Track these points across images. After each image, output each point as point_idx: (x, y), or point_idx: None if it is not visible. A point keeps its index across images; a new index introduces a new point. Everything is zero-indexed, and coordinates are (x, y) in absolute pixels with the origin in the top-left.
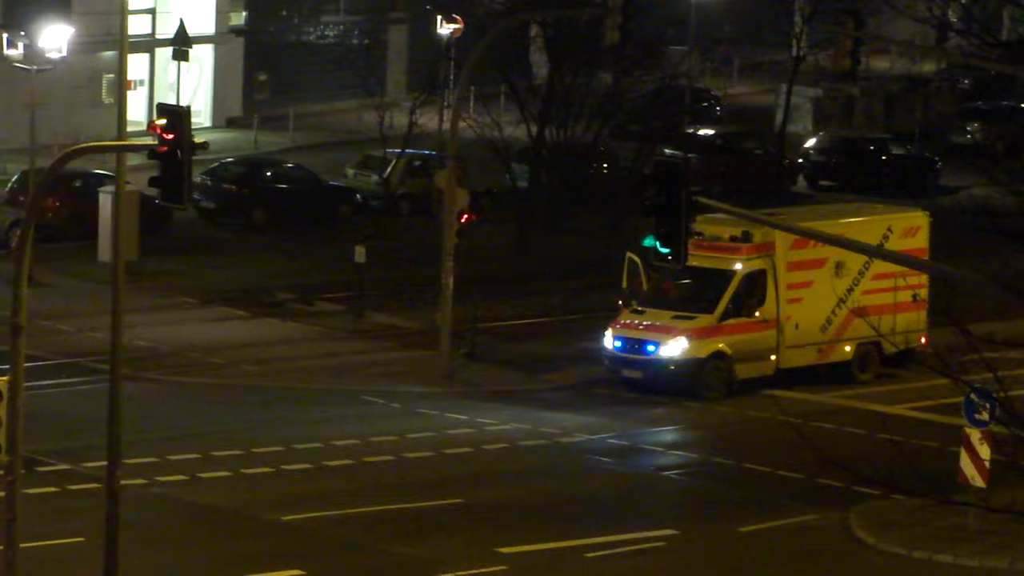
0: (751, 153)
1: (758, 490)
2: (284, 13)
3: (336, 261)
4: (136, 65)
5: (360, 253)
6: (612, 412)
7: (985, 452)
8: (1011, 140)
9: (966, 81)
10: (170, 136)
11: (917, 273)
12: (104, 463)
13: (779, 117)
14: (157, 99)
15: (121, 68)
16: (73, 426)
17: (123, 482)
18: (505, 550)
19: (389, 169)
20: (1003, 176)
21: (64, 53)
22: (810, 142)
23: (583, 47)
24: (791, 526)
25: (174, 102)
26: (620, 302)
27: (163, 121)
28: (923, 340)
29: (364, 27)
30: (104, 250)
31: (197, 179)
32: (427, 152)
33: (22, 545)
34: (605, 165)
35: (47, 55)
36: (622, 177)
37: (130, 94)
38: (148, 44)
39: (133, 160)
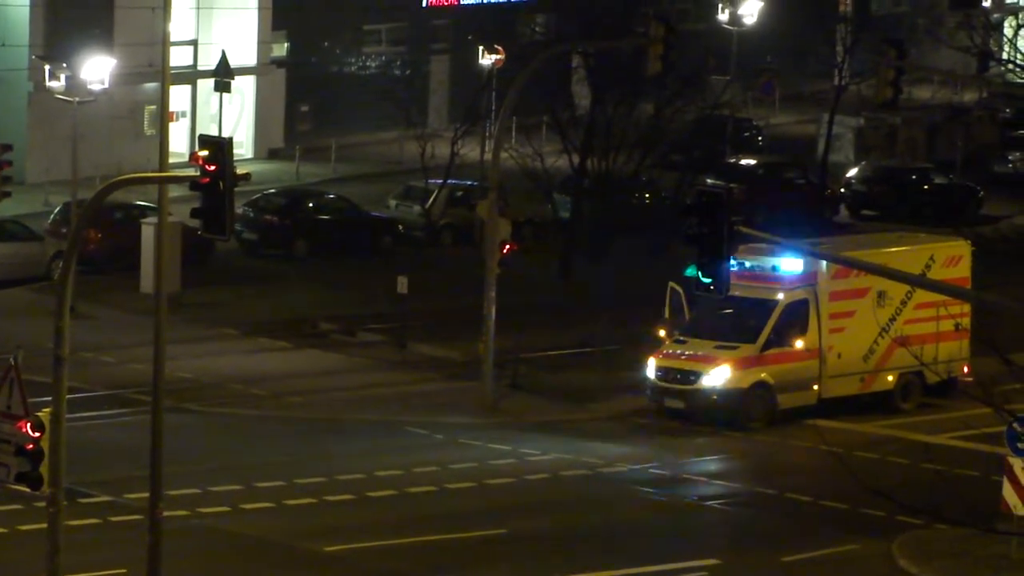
0: (793, 183)
1: (800, 519)
2: (326, 44)
3: (378, 292)
4: (178, 97)
5: (402, 284)
6: (655, 442)
7: None
8: None
9: (1007, 110)
10: (212, 167)
11: (959, 302)
12: (146, 494)
13: (821, 147)
14: (199, 130)
15: (163, 99)
16: (115, 457)
17: (165, 513)
18: None
19: (431, 200)
20: None
21: (106, 85)
22: (852, 171)
23: (625, 77)
24: (834, 555)
25: (216, 133)
26: (662, 332)
27: (205, 152)
28: (965, 369)
29: (406, 58)
30: (147, 281)
31: (239, 210)
32: (469, 183)
33: None
34: (647, 195)
35: (89, 87)
36: (664, 207)
37: (172, 126)
38: (190, 75)
39: (175, 191)
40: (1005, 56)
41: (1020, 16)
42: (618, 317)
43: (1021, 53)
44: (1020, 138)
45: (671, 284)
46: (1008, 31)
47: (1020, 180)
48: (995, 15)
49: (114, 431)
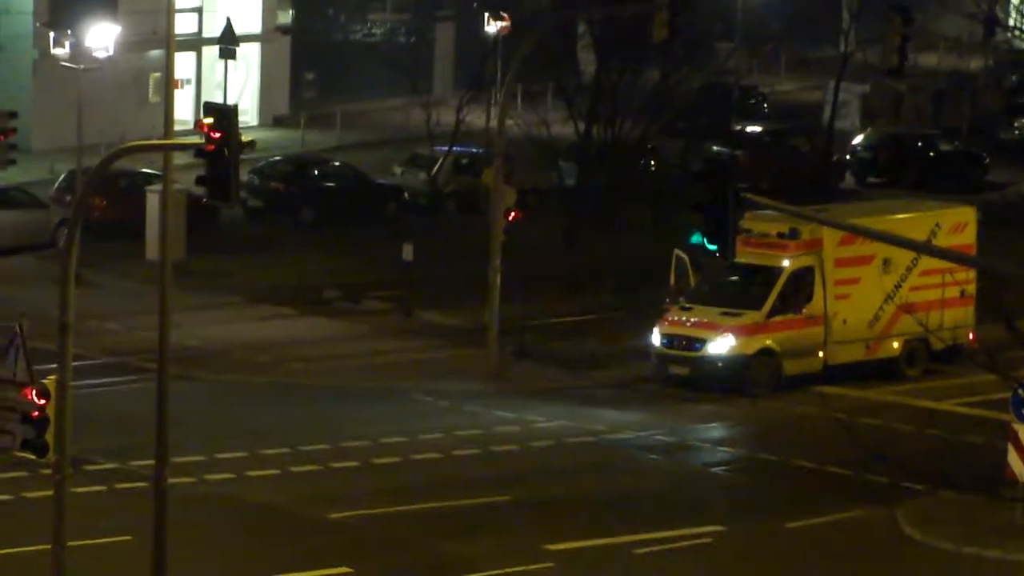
0: (799, 150)
1: (805, 486)
2: (331, 12)
3: (384, 259)
4: (183, 64)
5: (408, 251)
6: (659, 409)
7: None
8: None
9: (1013, 77)
10: (217, 135)
11: (965, 269)
12: (152, 462)
13: (827, 113)
14: (204, 98)
15: (168, 67)
16: (121, 425)
17: (170, 481)
18: (552, 547)
19: (437, 167)
20: None
21: (111, 52)
22: (858, 138)
23: (631, 44)
24: (838, 522)
25: (221, 101)
26: (668, 299)
27: (210, 120)
28: (971, 336)
29: (411, 25)
30: (152, 249)
31: (244, 178)
32: (474, 150)
33: (70, 543)
34: (653, 162)
35: (94, 54)
36: (670, 174)
37: (177, 93)
38: (195, 43)
39: (181, 159)
40: (1011, 22)
41: None
42: (624, 284)
43: None
44: None
45: (676, 251)
46: None
47: None
48: None
49: (120, 398)
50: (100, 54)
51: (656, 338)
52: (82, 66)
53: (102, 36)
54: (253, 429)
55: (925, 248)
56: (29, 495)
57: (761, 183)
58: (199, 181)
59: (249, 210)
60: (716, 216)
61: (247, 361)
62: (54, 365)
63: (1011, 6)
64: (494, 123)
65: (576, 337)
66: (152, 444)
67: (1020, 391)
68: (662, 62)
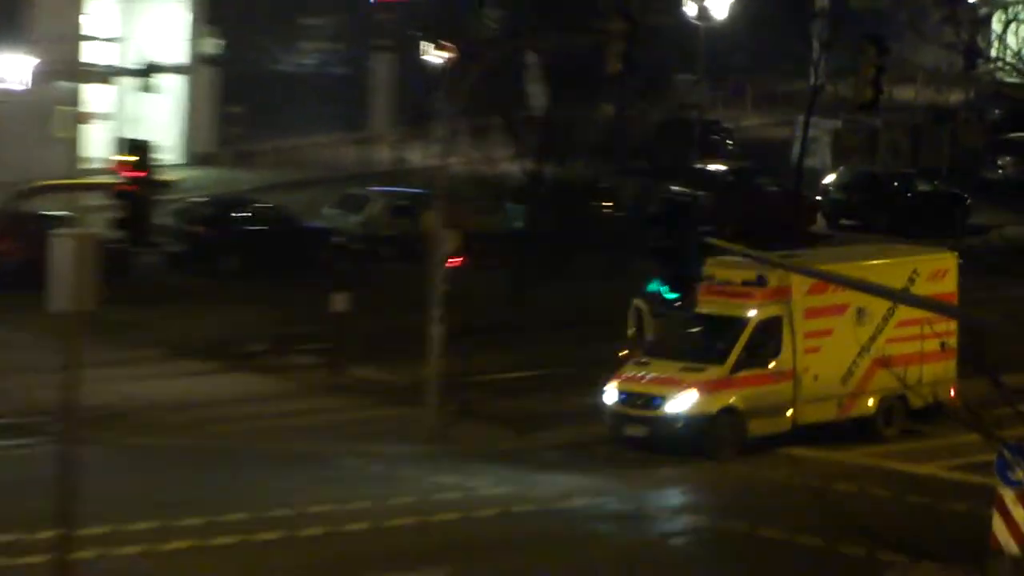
0: (766, 190)
1: (773, 558)
2: (261, 41)
3: (313, 310)
4: (100, 97)
5: (340, 301)
6: (614, 473)
7: (1020, 514)
8: None
9: (996, 111)
10: (134, 173)
11: (946, 320)
12: (54, 533)
13: (796, 151)
14: (123, 134)
15: (78, 100)
16: (20, 492)
17: (74, 555)
18: None
19: (372, 209)
20: None
21: (28, 84)
22: (829, 178)
23: (584, 76)
24: None
25: (140, 137)
26: (624, 352)
27: (127, 157)
28: (952, 392)
29: (347, 56)
30: (57, 299)
31: (163, 221)
32: (414, 190)
33: None
34: (607, 204)
35: (4, 86)
36: (626, 217)
37: (93, 129)
38: (113, 74)
39: (96, 200)
40: (993, 53)
41: (1009, 10)
42: (576, 336)
43: (1011, 49)
44: (1010, 141)
45: (635, 300)
46: (996, 26)
47: (1010, 187)
48: (982, 9)
49: (20, 464)
50: (14, 86)
51: (610, 395)
52: None
53: (16, 67)
54: (166, 497)
55: (902, 297)
56: None
57: (725, 226)
58: (114, 223)
59: (168, 256)
60: (676, 262)
61: (161, 422)
62: None
63: (993, 35)
64: (435, 161)
65: (524, 395)
66: (54, 513)
67: (1006, 453)
68: (617, 96)
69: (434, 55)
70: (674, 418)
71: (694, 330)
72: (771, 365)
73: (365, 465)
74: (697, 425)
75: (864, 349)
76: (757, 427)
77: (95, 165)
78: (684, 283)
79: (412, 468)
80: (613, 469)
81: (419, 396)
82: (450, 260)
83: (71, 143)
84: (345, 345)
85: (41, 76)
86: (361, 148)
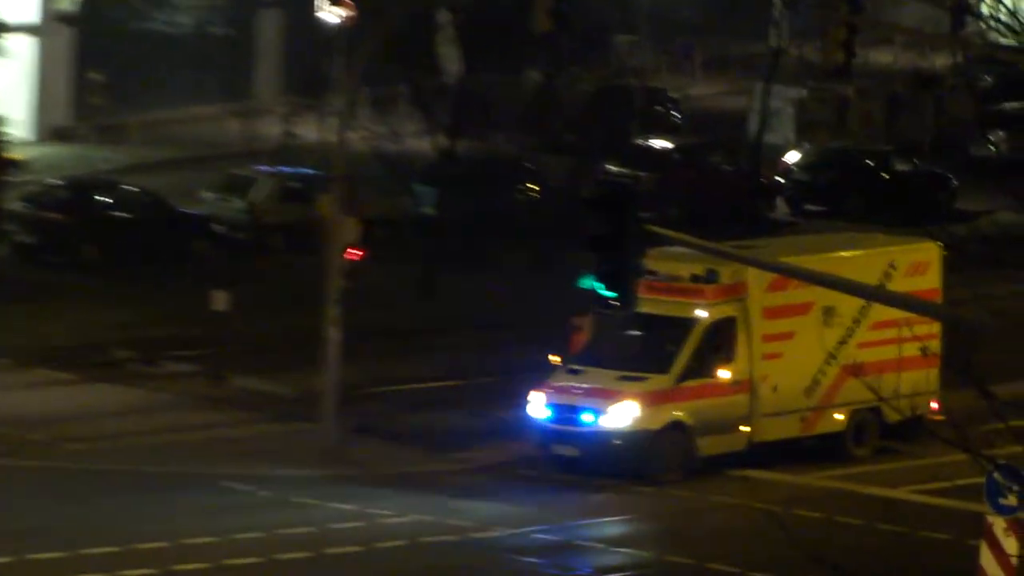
0: (718, 170)
1: None
2: None
3: (189, 310)
4: None
5: (220, 300)
6: (541, 500)
7: (1012, 546)
8: None
9: (988, 78)
10: None
11: (927, 321)
12: None
13: (754, 125)
14: None
15: None
16: None
17: None
18: None
19: (258, 193)
20: None
21: None
22: (792, 156)
23: (505, 38)
24: None
25: None
26: (554, 359)
27: None
28: (934, 405)
29: (229, 15)
30: None
31: (12, 206)
32: (307, 171)
33: None
34: (533, 187)
35: None
36: (555, 202)
37: None
38: None
39: None
40: (985, 10)
41: None
42: (497, 341)
43: (1005, 5)
44: (1004, 113)
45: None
46: None
47: (1004, 166)
48: None
49: None
50: None
51: (537, 409)
52: None
53: None
54: (19, 527)
55: (877, 294)
56: None
57: (670, 212)
58: None
59: (19, 248)
60: (613, 254)
61: (13, 440)
62: None
63: None
64: (332, 137)
65: (436, 408)
66: None
67: (996, 475)
68: (545, 60)
69: (329, 13)
70: (611, 435)
71: (634, 333)
72: (723, 374)
73: (252, 490)
74: (638, 443)
75: (832, 355)
76: (707, 446)
77: None
78: (623, 279)
79: (306, 494)
80: (540, 495)
81: (313, 410)
82: (349, 252)
83: None
84: (227, 351)
85: None
86: (245, 122)
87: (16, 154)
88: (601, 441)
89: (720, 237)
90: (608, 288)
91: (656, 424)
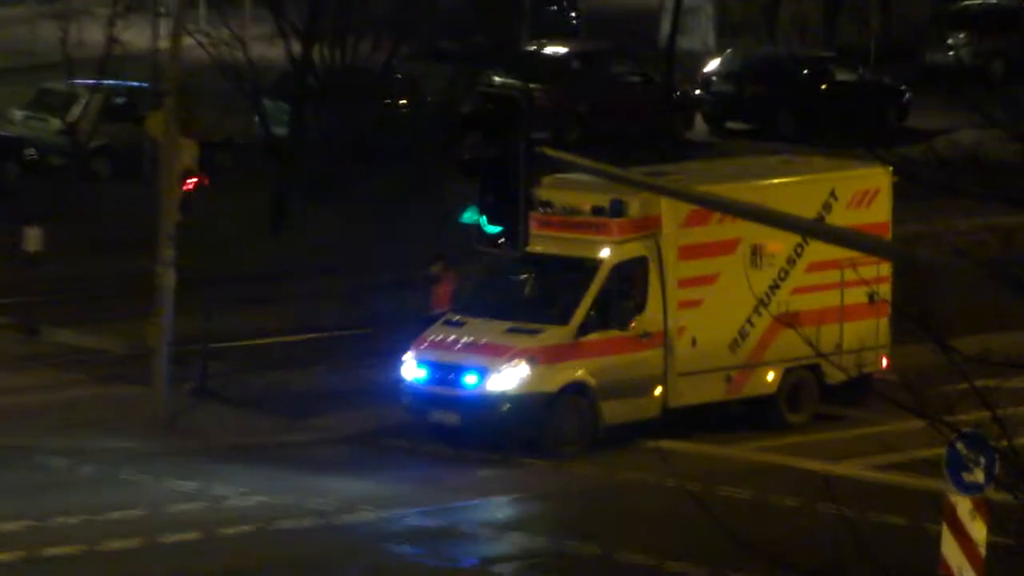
0: (624, 81)
1: None
2: None
3: None
4: None
5: (33, 238)
6: (415, 476)
7: (979, 531)
8: (1015, 57)
9: None
10: None
11: (875, 261)
12: None
13: (665, 26)
14: None
15: None
16: None
17: None
18: None
19: (78, 110)
20: (1001, 112)
21: None
22: (713, 64)
23: None
24: None
25: None
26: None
27: None
28: (884, 362)
29: None
30: None
31: None
32: (134, 84)
33: None
34: (404, 101)
35: None
36: (430, 119)
37: None
38: None
39: None
40: None
41: None
42: (362, 287)
43: None
44: (965, 11)
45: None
46: None
47: (964, 74)
48: None
49: None
50: None
51: (409, 368)
52: None
53: None
54: None
55: (814, 229)
56: None
57: (568, 132)
58: None
59: None
60: (499, 182)
61: None
62: None
63: None
64: (164, 44)
65: (290, 368)
66: None
67: (959, 445)
68: None
69: None
70: (498, 399)
71: (524, 277)
72: (632, 325)
73: (72, 466)
74: (530, 409)
75: (762, 303)
76: (614, 412)
77: None
78: (511, 211)
79: (136, 469)
80: (414, 470)
81: (143, 370)
82: (186, 180)
83: None
84: (40, 299)
85: None
86: (60, 25)
87: None
88: (487, 406)
89: (628, 162)
90: (492, 222)
91: (552, 386)
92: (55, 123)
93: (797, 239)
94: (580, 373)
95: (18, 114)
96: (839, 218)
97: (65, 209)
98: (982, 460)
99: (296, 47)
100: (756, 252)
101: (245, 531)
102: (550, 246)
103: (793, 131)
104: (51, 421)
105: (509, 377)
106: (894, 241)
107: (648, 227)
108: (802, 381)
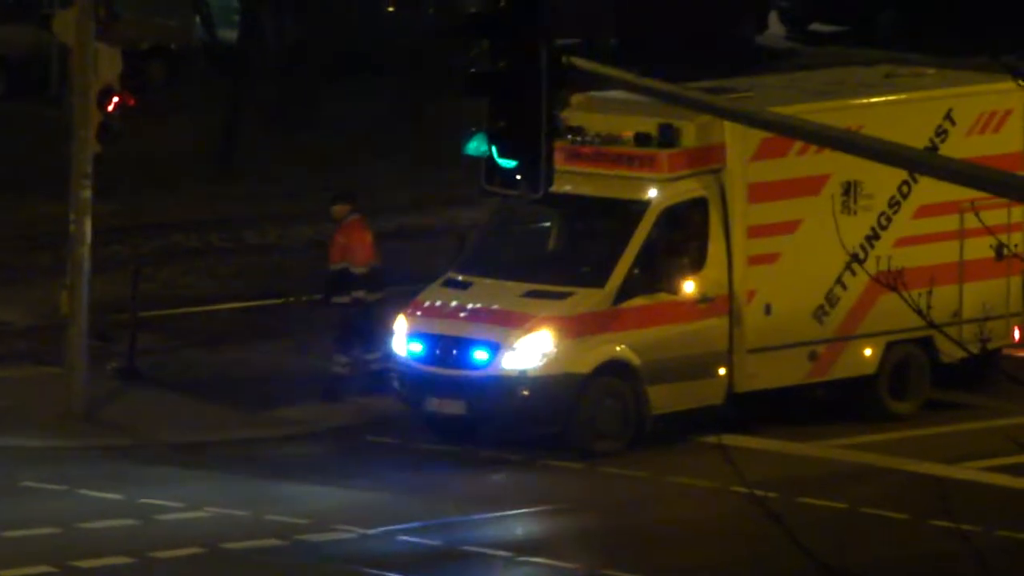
0: None
1: None
2: None
3: None
4: None
5: None
6: (407, 481)
7: None
8: None
9: None
10: None
11: (1005, 203)
12: None
13: None
14: None
15: None
16: None
17: None
18: None
19: None
20: None
21: None
22: None
23: None
24: None
25: None
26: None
27: None
28: (1016, 334)
29: None
30: None
31: None
32: None
33: None
34: None
35: None
36: (423, 21)
37: None
38: None
39: None
40: None
41: None
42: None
43: None
44: None
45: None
46: None
47: None
48: None
49: None
50: None
51: (400, 342)
52: None
53: None
54: None
55: (926, 163)
56: None
57: (605, 35)
58: None
59: None
60: (514, 103)
61: None
62: None
63: None
64: None
65: (243, 341)
66: None
67: None
68: None
69: None
70: (514, 382)
71: (549, 225)
72: (688, 288)
73: None
74: (556, 395)
75: (856, 258)
76: (664, 398)
77: None
78: (529, 140)
79: (46, 475)
80: (407, 475)
81: (54, 347)
82: (112, 98)
83: None
84: None
85: None
86: None
87: None
88: (500, 391)
89: (682, 76)
90: (505, 155)
91: (584, 366)
92: None
93: (903, 175)
94: (620, 349)
95: None
96: (957, 148)
97: None
98: None
99: None
100: (849, 192)
101: (186, 555)
102: (580, 185)
103: (897, 34)
104: None
105: (528, 354)
106: None
107: (708, 160)
108: (909, 359)
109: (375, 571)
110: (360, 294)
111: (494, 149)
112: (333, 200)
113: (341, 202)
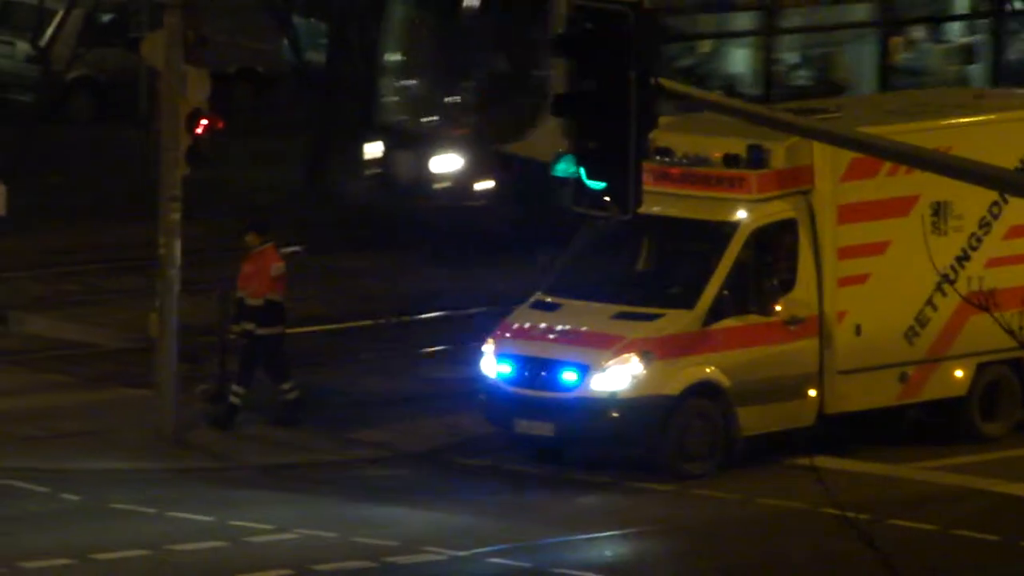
0: None
1: None
2: None
3: None
4: None
5: None
6: (496, 503)
7: None
8: None
9: None
10: None
11: None
12: None
13: None
14: None
15: None
16: None
17: None
18: None
19: (50, 31)
20: None
21: None
22: None
23: None
24: None
25: None
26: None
27: None
28: None
29: None
30: None
31: None
32: None
33: None
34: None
35: None
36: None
37: None
38: None
39: None
40: None
41: None
42: (425, 259)
43: None
44: None
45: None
46: None
47: None
48: None
49: None
50: None
51: (489, 364)
52: None
53: None
54: None
55: (1017, 184)
56: None
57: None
58: None
59: None
60: (603, 124)
61: None
62: None
63: None
64: None
65: (334, 363)
66: None
67: None
68: None
69: None
70: (604, 404)
71: (638, 247)
72: (778, 309)
73: (52, 492)
74: (645, 417)
75: (947, 278)
76: (754, 420)
77: None
78: (618, 161)
79: (135, 498)
80: (497, 497)
81: (143, 369)
82: (200, 120)
83: None
84: (5, 277)
85: None
86: None
87: None
88: (589, 413)
89: (771, 97)
90: (594, 176)
91: (674, 387)
92: (22, 48)
93: (993, 196)
94: (710, 371)
95: None
96: None
97: (34, 159)
98: None
99: None
100: (939, 213)
101: None
102: (669, 206)
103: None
104: (23, 435)
105: (618, 376)
106: None
107: (797, 181)
108: (1001, 380)
109: None
110: (250, 326)
111: (582, 171)
112: (246, 229)
113: (253, 231)
